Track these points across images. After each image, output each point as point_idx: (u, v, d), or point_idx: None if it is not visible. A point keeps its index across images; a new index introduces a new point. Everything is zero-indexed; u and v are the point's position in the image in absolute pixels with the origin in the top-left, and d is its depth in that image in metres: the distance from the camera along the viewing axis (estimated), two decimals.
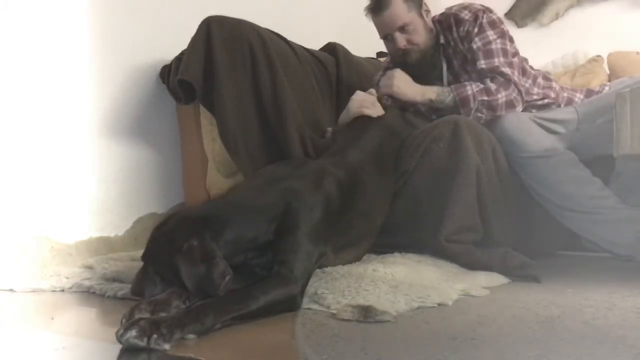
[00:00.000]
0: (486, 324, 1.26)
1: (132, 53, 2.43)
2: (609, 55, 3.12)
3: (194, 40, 2.16)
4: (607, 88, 2.32)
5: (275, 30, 2.39)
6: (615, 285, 1.68)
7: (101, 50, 2.33)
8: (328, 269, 1.60)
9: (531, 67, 2.31)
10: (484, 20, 2.17)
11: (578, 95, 2.30)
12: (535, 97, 2.23)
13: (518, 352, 1.06)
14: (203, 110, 2.32)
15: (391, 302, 1.36)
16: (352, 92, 2.30)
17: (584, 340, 1.11)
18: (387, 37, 2.28)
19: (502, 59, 2.13)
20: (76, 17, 2.27)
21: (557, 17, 3.54)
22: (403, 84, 2.21)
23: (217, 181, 2.37)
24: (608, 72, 3.11)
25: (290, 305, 1.36)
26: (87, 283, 1.74)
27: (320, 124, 2.30)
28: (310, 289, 1.45)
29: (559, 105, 2.25)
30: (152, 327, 1.08)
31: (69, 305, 1.63)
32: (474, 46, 2.17)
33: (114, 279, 1.73)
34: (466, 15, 2.20)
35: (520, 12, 3.64)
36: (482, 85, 2.10)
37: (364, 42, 2.66)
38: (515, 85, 2.10)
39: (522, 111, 2.17)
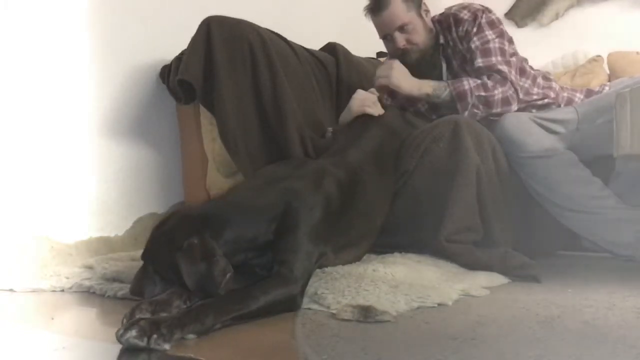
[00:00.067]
0: (486, 324, 1.26)
1: (132, 53, 2.43)
2: (609, 55, 3.12)
3: (194, 40, 2.16)
4: (607, 88, 2.32)
5: (275, 30, 2.39)
6: (615, 285, 1.68)
7: (101, 50, 2.33)
8: (328, 269, 1.60)
9: (531, 67, 2.31)
10: (483, 20, 2.17)
11: (578, 95, 2.30)
12: (535, 97, 2.23)
13: (518, 352, 1.06)
14: (203, 110, 2.32)
15: (391, 302, 1.36)
16: (352, 92, 2.30)
17: (584, 340, 1.11)
18: (386, 37, 2.28)
19: (499, 58, 2.13)
20: (76, 17, 2.27)
21: (557, 17, 3.54)
22: (401, 76, 2.18)
23: (217, 181, 2.37)
24: (608, 72, 3.11)
25: (290, 305, 1.36)
26: (87, 283, 1.74)
27: (320, 124, 2.30)
28: (310, 289, 1.45)
29: (559, 105, 2.25)
30: (152, 327, 1.08)
31: (69, 305, 1.63)
32: (472, 45, 2.17)
33: (114, 279, 1.72)
34: (465, 15, 2.21)
35: (520, 12, 3.64)
36: (479, 81, 2.11)
37: (364, 42, 2.66)
38: (512, 83, 2.10)
39: (522, 111, 2.18)
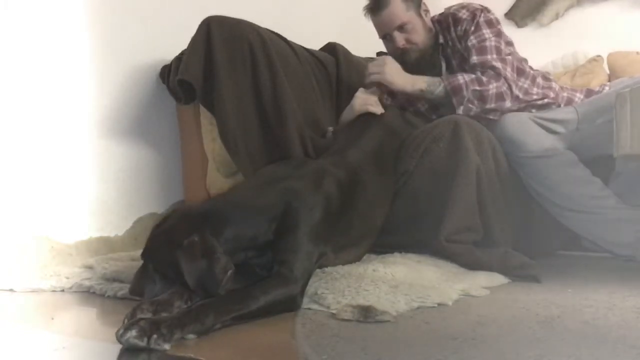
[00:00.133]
0: (486, 324, 1.25)
1: (132, 53, 2.43)
2: (609, 55, 3.12)
3: (194, 40, 2.16)
4: (607, 88, 2.32)
5: (275, 30, 2.39)
6: (615, 285, 1.68)
7: (101, 50, 2.33)
8: (328, 269, 1.60)
9: (530, 68, 2.31)
10: (481, 19, 2.17)
11: (578, 95, 2.30)
12: (535, 96, 2.23)
13: (518, 352, 1.06)
14: (203, 110, 2.32)
15: (391, 302, 1.36)
16: (352, 92, 2.30)
17: (584, 340, 1.11)
18: (386, 36, 2.29)
19: (494, 55, 2.13)
20: (76, 17, 2.27)
21: (557, 17, 3.54)
22: (394, 72, 2.17)
23: (217, 181, 2.37)
24: (608, 72, 3.11)
25: (290, 305, 1.36)
26: (87, 283, 1.74)
27: (320, 124, 2.30)
28: (310, 289, 1.45)
29: (559, 105, 2.25)
30: (152, 327, 1.08)
31: (69, 305, 1.63)
32: (469, 43, 2.17)
33: (114, 279, 1.72)
34: (464, 14, 2.21)
35: (520, 12, 3.64)
36: (473, 76, 2.10)
37: (364, 42, 2.66)
38: (505, 79, 2.10)
39: (522, 111, 2.18)
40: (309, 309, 1.40)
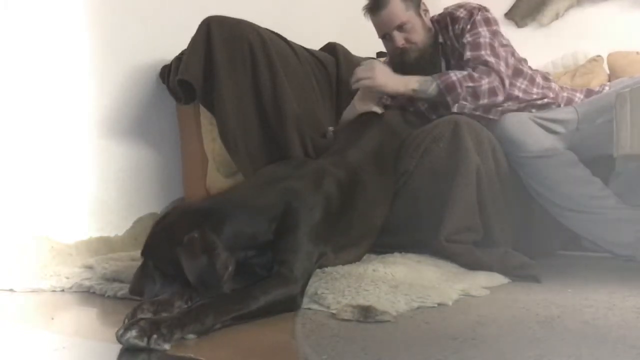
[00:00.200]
0: (486, 324, 1.25)
1: (132, 53, 2.43)
2: (609, 55, 3.12)
3: (194, 40, 2.16)
4: (607, 88, 2.32)
5: (275, 30, 2.39)
6: (615, 285, 1.68)
7: (101, 50, 2.33)
8: (328, 269, 1.60)
9: (530, 68, 2.31)
10: (478, 17, 2.18)
11: (578, 95, 2.30)
12: (534, 96, 2.23)
13: (518, 352, 1.06)
14: (203, 110, 2.32)
15: (391, 302, 1.36)
16: (352, 92, 2.30)
17: (584, 340, 1.11)
18: (385, 36, 2.29)
19: (488, 51, 2.13)
20: (76, 17, 2.27)
21: (557, 17, 3.54)
22: (384, 75, 2.15)
23: (217, 181, 2.37)
24: (608, 72, 3.11)
25: (290, 305, 1.36)
26: (87, 283, 1.74)
27: (320, 124, 2.30)
28: (310, 289, 1.45)
29: (559, 105, 2.25)
30: (152, 327, 1.08)
31: (69, 305, 1.63)
32: (465, 41, 2.17)
33: (114, 279, 1.72)
34: (461, 13, 2.22)
35: (520, 12, 3.64)
36: (465, 72, 2.09)
37: (364, 42, 2.66)
38: (498, 73, 2.09)
39: (521, 111, 2.18)
40: (309, 309, 1.40)
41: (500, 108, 2.21)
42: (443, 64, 2.31)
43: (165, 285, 1.35)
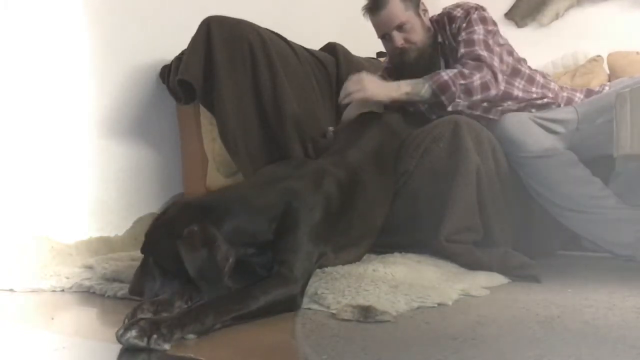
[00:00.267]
0: (486, 324, 1.25)
1: (132, 53, 2.43)
2: (609, 55, 3.12)
3: (194, 40, 2.16)
4: (607, 88, 2.32)
5: (275, 30, 2.39)
6: (615, 285, 1.68)
7: (101, 50, 2.33)
8: (328, 269, 1.60)
9: (529, 68, 2.31)
10: (474, 16, 2.18)
11: (578, 95, 2.30)
12: (534, 95, 2.23)
13: (518, 352, 1.06)
14: (203, 110, 2.32)
15: (391, 302, 1.36)
16: None
17: (584, 340, 1.11)
18: (385, 36, 2.29)
19: (482, 47, 2.12)
20: (76, 17, 2.27)
21: (557, 17, 3.55)
22: (374, 85, 2.13)
23: (217, 181, 2.38)
24: (608, 72, 3.11)
25: (290, 305, 1.36)
26: (87, 283, 1.74)
27: (320, 124, 2.30)
28: (310, 289, 1.45)
29: (559, 105, 2.25)
30: (152, 327, 1.08)
31: (69, 305, 1.63)
32: (460, 39, 2.17)
33: (114, 279, 1.72)
34: (458, 12, 2.23)
35: (520, 12, 3.64)
36: (455, 70, 2.08)
37: (364, 42, 2.66)
38: (490, 67, 2.08)
39: (521, 111, 2.18)
40: (309, 309, 1.40)
41: (500, 108, 2.21)
42: (442, 64, 2.31)
43: (166, 283, 1.35)
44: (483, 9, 2.23)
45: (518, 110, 2.19)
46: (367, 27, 2.34)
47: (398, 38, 2.24)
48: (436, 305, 1.42)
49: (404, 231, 1.96)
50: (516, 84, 2.21)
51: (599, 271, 2.00)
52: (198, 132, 2.41)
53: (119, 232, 2.36)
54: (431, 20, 2.32)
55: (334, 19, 3.27)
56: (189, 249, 1.27)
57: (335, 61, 2.67)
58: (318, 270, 1.56)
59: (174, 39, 2.37)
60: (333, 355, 1.04)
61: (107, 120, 2.37)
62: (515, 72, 2.22)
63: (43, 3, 2.17)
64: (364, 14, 2.29)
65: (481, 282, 1.66)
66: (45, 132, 2.16)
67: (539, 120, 2.10)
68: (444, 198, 1.89)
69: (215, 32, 2.13)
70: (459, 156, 1.91)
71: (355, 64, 2.75)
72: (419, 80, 2.11)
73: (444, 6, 2.36)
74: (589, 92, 2.32)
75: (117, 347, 1.08)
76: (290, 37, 2.47)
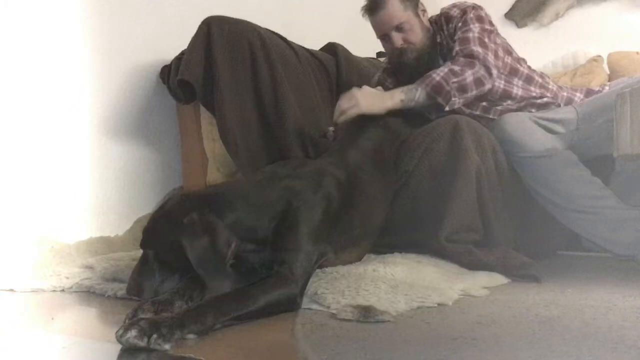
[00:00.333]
0: (486, 324, 1.26)
1: (132, 53, 2.43)
2: (609, 55, 3.12)
3: (194, 40, 2.16)
4: (607, 88, 2.32)
5: (275, 30, 2.39)
6: (615, 285, 1.68)
7: (101, 50, 2.33)
8: (328, 269, 1.60)
9: (529, 67, 2.31)
10: (470, 15, 2.18)
11: (578, 94, 2.30)
12: (533, 94, 2.23)
13: (518, 352, 1.06)
14: (203, 110, 2.32)
15: (391, 302, 1.36)
16: None
17: (584, 340, 1.11)
18: (383, 37, 2.29)
19: (476, 43, 2.11)
20: (76, 17, 2.27)
21: (557, 17, 3.54)
22: (368, 99, 2.10)
23: (217, 181, 2.37)
24: (608, 72, 3.11)
25: (290, 305, 1.36)
26: (87, 283, 1.74)
27: (320, 124, 2.30)
28: (310, 289, 1.45)
29: (559, 105, 2.25)
30: (152, 327, 1.08)
31: (69, 305, 1.63)
32: (456, 38, 2.18)
33: (114, 279, 1.72)
34: (455, 12, 2.23)
35: (520, 12, 3.64)
36: (446, 69, 2.07)
37: (364, 42, 2.66)
38: (483, 62, 2.07)
39: (521, 111, 2.18)
40: (309, 309, 1.40)
41: (499, 107, 2.21)
42: (441, 64, 2.31)
43: (166, 278, 1.34)
44: (480, 8, 2.23)
45: (517, 110, 2.19)
46: (367, 27, 2.34)
47: (397, 38, 2.24)
48: (436, 305, 1.42)
49: (404, 231, 1.96)
50: (515, 82, 2.21)
51: (599, 271, 2.00)
52: (198, 132, 2.41)
53: (119, 232, 2.36)
54: (430, 20, 2.32)
55: (334, 19, 3.27)
56: (191, 236, 1.27)
57: (335, 61, 2.67)
58: (318, 270, 1.56)
59: (174, 39, 2.37)
60: (333, 355, 1.04)
61: (107, 120, 2.37)
62: (513, 71, 2.22)
63: (43, 3, 2.17)
64: (362, 15, 2.29)
65: (481, 282, 1.66)
66: (45, 132, 2.16)
67: (538, 120, 2.10)
68: (444, 198, 1.89)
69: (215, 32, 2.13)
70: (459, 156, 1.91)
71: (355, 64, 2.75)
72: (412, 86, 2.11)
73: (443, 6, 2.36)
74: (589, 92, 2.32)
75: (117, 347, 1.08)
76: (290, 37, 2.47)
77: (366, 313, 1.28)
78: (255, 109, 2.14)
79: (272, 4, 2.98)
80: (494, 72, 2.10)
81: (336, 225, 1.63)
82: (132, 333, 1.06)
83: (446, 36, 2.26)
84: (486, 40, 2.14)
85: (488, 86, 2.09)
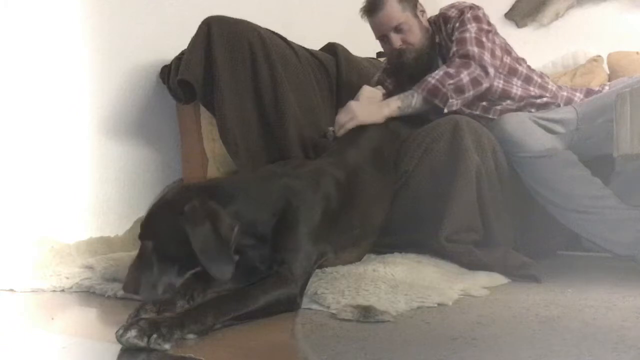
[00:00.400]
0: (486, 324, 1.26)
1: (132, 53, 2.43)
2: (609, 55, 3.12)
3: (194, 40, 2.16)
4: (607, 88, 2.32)
5: (275, 30, 2.39)
6: (615, 285, 1.68)
7: (101, 50, 2.33)
8: (328, 269, 1.60)
9: (528, 67, 2.31)
10: (468, 15, 2.18)
11: (578, 94, 2.30)
12: (532, 94, 2.23)
13: (518, 352, 1.06)
14: (203, 110, 2.32)
15: (391, 302, 1.36)
16: (352, 92, 2.30)
17: (584, 340, 1.11)
18: (382, 37, 2.29)
19: (473, 43, 2.11)
20: (76, 17, 2.27)
21: (557, 17, 3.55)
22: (364, 110, 2.11)
23: None
24: (608, 72, 3.11)
25: (290, 305, 1.36)
26: (87, 283, 1.74)
27: (320, 124, 2.30)
28: (310, 289, 1.45)
29: (558, 105, 2.25)
30: (152, 327, 1.08)
31: (69, 305, 1.63)
32: (454, 38, 2.17)
33: (114, 279, 1.72)
34: (453, 12, 2.23)
35: (520, 12, 3.64)
36: (441, 72, 2.07)
37: (364, 42, 2.66)
38: (479, 62, 2.07)
39: (520, 111, 2.18)
40: (309, 309, 1.40)
41: (499, 107, 2.21)
42: (440, 64, 2.31)
43: (165, 271, 1.33)
44: (478, 8, 2.23)
45: (517, 109, 2.19)
46: (367, 28, 2.34)
47: (396, 39, 2.24)
48: (436, 305, 1.42)
49: (404, 231, 1.96)
50: (514, 82, 2.21)
51: (599, 271, 2.00)
52: (198, 132, 2.41)
53: (119, 232, 2.36)
54: (429, 21, 2.32)
55: (334, 19, 3.27)
56: (193, 224, 1.27)
57: (335, 61, 2.67)
58: (318, 270, 1.56)
59: (174, 39, 2.37)
60: (333, 355, 1.04)
61: (107, 120, 2.37)
62: (513, 71, 2.22)
63: (43, 3, 2.17)
64: (361, 16, 2.29)
65: (481, 282, 1.66)
66: (45, 132, 2.16)
67: (538, 120, 2.10)
68: (444, 198, 1.89)
69: (215, 32, 2.13)
70: (459, 156, 1.91)
71: (355, 64, 2.75)
72: (408, 92, 2.12)
73: (442, 7, 2.36)
74: (589, 92, 2.32)
75: (117, 347, 1.09)
76: (290, 37, 2.47)
77: (366, 313, 1.28)
78: (255, 109, 2.14)
79: (272, 4, 2.98)
80: (491, 71, 2.10)
81: (336, 225, 1.63)
82: (132, 333, 1.07)
83: (445, 37, 2.26)
84: (483, 39, 2.14)
85: (485, 85, 2.09)
